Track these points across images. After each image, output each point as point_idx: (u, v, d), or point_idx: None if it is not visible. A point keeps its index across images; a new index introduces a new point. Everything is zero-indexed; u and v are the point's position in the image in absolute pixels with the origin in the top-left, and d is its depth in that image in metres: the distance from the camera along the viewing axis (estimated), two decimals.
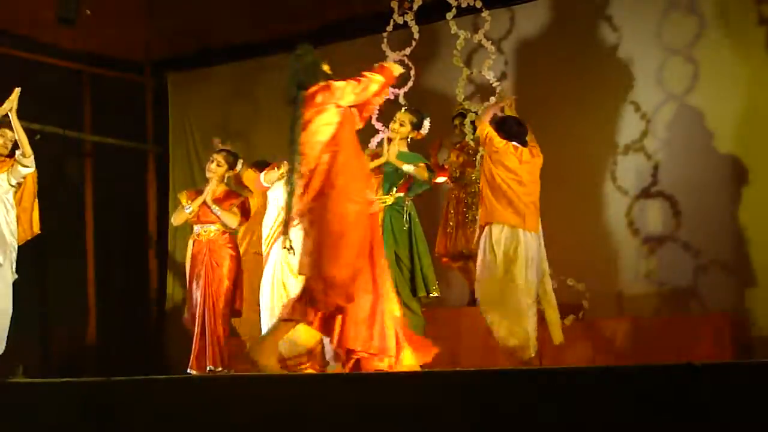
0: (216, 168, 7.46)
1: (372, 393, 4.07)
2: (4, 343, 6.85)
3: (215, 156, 7.54)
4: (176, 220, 7.61)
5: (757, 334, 6.97)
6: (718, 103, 7.34)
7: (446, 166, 7.80)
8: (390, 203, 6.63)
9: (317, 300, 5.17)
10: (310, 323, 5.27)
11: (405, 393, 4.00)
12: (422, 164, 6.68)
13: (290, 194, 5.29)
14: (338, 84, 5.31)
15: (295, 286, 6.82)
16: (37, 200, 7.11)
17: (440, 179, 7.65)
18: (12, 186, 6.95)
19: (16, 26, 8.85)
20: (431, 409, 3.83)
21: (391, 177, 6.67)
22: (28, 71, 8.79)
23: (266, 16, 8.98)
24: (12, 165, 6.91)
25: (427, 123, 6.81)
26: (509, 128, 6.50)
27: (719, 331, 6.95)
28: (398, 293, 6.32)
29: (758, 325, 6.98)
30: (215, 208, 7.34)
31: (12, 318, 6.82)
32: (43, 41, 9.08)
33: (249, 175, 7.54)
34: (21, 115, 6.82)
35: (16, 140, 6.83)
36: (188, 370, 7.32)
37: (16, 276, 6.88)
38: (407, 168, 6.60)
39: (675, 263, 7.41)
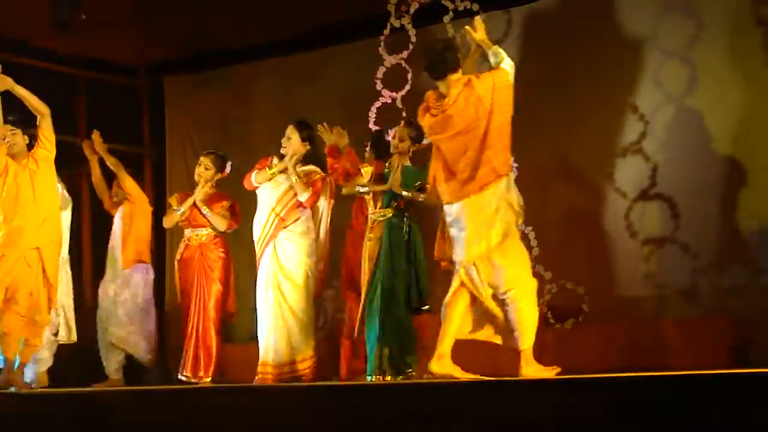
0: (204, 171, 7.46)
1: None
2: None
3: (203, 159, 7.54)
4: (167, 222, 7.61)
5: (756, 336, 6.94)
6: (716, 105, 7.30)
7: None
8: (389, 216, 6.59)
9: None
10: None
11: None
12: (415, 186, 6.55)
13: None
14: None
15: (290, 288, 6.79)
16: None
17: None
18: None
19: (10, 30, 8.81)
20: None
21: (391, 194, 6.61)
22: (22, 76, 8.74)
23: (262, 19, 8.94)
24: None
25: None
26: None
27: (718, 334, 6.95)
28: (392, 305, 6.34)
29: (757, 328, 6.94)
30: (205, 209, 7.33)
31: None
32: (37, 46, 9.04)
33: None
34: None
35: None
36: (180, 376, 7.29)
37: None
38: (405, 195, 6.54)
39: (674, 265, 7.38)
